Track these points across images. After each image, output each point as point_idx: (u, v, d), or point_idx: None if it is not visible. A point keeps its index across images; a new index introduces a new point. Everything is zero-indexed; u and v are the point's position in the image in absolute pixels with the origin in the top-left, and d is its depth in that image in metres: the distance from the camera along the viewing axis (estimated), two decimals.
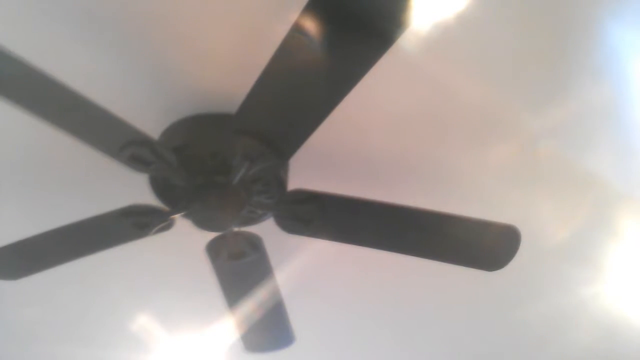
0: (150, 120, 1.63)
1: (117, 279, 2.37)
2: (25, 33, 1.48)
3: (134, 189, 1.68)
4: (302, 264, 2.18)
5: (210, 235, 1.72)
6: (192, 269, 2.14)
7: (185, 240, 1.92)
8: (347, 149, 1.84)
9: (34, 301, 2.45)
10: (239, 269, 1.80)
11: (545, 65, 1.61)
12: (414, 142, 1.83)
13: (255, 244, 1.75)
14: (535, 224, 2.06)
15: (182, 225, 1.69)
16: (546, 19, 1.51)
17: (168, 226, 1.68)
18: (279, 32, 1.15)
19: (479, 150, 1.85)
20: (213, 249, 1.76)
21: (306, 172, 1.83)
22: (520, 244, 1.63)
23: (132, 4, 1.44)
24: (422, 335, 2.74)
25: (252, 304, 1.90)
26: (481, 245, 1.69)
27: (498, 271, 1.72)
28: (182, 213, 1.62)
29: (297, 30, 1.12)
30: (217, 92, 1.64)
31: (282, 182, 1.67)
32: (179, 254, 2.19)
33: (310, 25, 1.11)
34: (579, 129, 1.79)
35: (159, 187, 1.68)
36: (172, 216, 1.64)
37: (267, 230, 1.76)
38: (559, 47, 1.57)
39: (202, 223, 1.60)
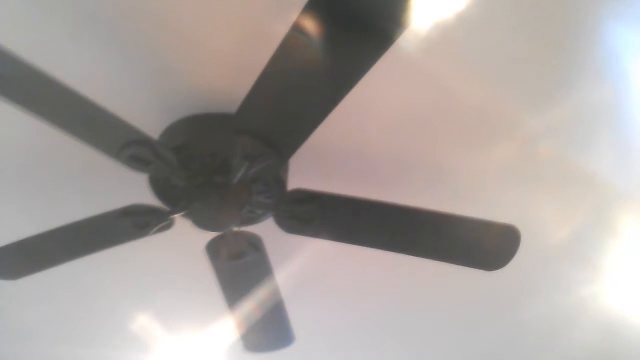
0: (150, 120, 1.63)
1: (117, 279, 2.37)
2: (25, 33, 1.48)
3: (134, 189, 1.68)
4: (302, 264, 2.18)
5: (210, 235, 1.72)
6: (192, 269, 2.13)
7: (185, 240, 1.92)
8: (347, 149, 1.84)
9: (34, 301, 2.45)
10: (239, 269, 1.80)
11: (545, 65, 1.61)
12: (414, 142, 1.82)
13: (255, 244, 1.75)
14: (535, 224, 2.06)
15: (182, 225, 1.69)
16: (546, 18, 1.51)
17: (168, 226, 1.68)
18: (279, 32, 1.15)
19: (479, 150, 1.85)
20: (213, 249, 1.76)
21: (306, 172, 1.83)
22: (520, 244, 1.63)
23: (133, 4, 1.44)
24: (422, 335, 2.74)
25: (252, 304, 1.90)
26: (481, 245, 1.69)
27: (498, 271, 1.72)
28: (182, 213, 1.62)
29: (297, 30, 1.12)
30: (217, 92, 1.64)
31: (282, 182, 1.67)
32: (179, 254, 2.19)
33: (310, 25, 1.11)
34: (579, 129, 1.79)
35: (159, 187, 1.67)
36: (172, 216, 1.64)
37: (267, 230, 1.76)
38: (559, 47, 1.57)
39: (202, 223, 1.60)
